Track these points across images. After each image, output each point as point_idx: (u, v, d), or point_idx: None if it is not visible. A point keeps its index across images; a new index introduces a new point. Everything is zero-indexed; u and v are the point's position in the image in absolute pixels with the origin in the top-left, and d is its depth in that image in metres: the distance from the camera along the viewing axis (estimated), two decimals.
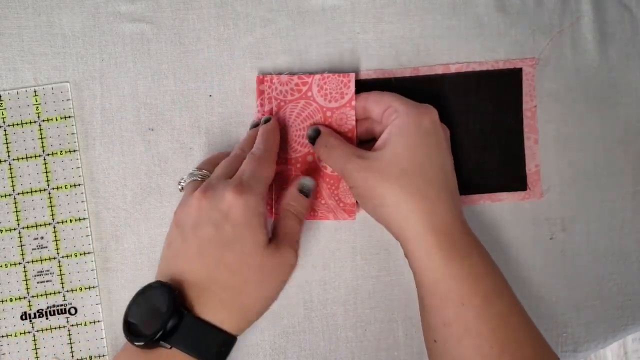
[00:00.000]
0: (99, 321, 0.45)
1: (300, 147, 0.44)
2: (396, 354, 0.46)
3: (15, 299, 0.45)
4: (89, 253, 0.45)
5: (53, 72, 0.45)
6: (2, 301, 0.45)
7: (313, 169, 0.44)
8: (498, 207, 0.46)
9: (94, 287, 0.45)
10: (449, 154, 0.41)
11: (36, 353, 0.44)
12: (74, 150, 0.45)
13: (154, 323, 0.34)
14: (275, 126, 0.42)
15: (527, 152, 0.46)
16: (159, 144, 0.45)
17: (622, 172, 0.47)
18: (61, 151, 0.45)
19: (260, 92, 0.45)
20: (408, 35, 0.45)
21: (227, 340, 0.36)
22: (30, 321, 0.45)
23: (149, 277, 0.40)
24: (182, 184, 0.42)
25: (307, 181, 0.41)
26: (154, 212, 0.45)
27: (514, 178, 0.46)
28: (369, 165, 0.38)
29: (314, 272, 0.46)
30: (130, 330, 0.35)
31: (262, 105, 0.45)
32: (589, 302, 0.47)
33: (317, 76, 0.44)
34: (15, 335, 0.44)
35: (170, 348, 0.34)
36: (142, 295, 0.35)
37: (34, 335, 0.44)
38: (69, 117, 0.45)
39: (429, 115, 0.39)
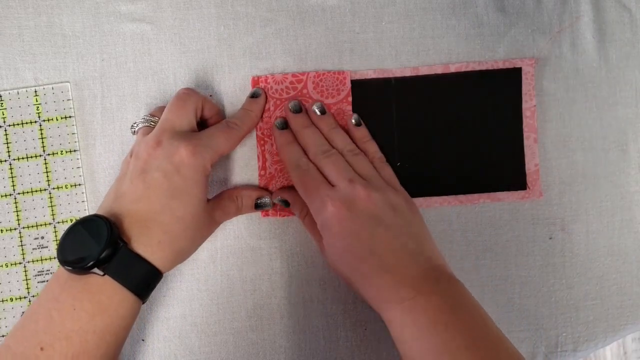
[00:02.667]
0: None
1: None
2: (397, 354, 0.46)
3: (16, 299, 0.45)
4: None
5: (53, 72, 0.45)
6: (3, 301, 0.45)
7: None
8: (498, 207, 0.46)
9: None
10: (376, 236, 0.39)
11: None
12: (75, 150, 0.45)
13: (89, 251, 0.35)
14: (260, 107, 0.44)
15: (526, 151, 0.46)
16: None
17: (622, 171, 0.47)
18: (62, 151, 0.45)
19: None
20: (408, 35, 0.45)
21: (156, 276, 0.38)
22: None
23: None
24: (135, 128, 0.43)
25: (267, 201, 0.44)
26: None
27: (513, 177, 0.46)
28: (322, 249, 0.43)
29: (313, 271, 0.46)
30: (65, 256, 0.36)
31: None
32: (588, 302, 0.47)
33: (312, 73, 0.45)
34: None
35: (104, 275, 0.36)
36: (81, 225, 0.37)
37: None
38: (70, 117, 0.45)
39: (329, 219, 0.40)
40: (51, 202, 0.45)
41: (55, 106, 0.45)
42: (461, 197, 0.46)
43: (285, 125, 0.45)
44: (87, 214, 0.45)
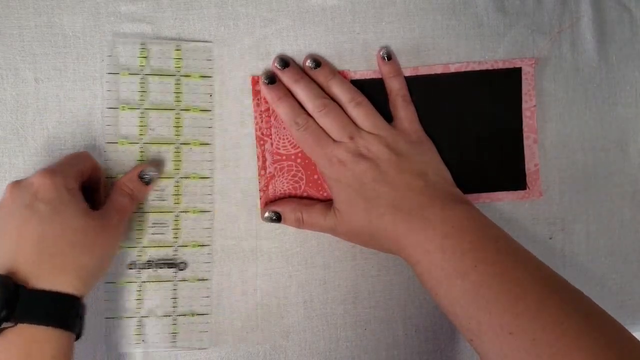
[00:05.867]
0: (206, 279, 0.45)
1: None
2: (396, 353, 0.46)
3: (126, 247, 0.44)
4: (208, 212, 0.45)
5: (53, 72, 0.45)
6: None
7: (312, 163, 0.45)
8: (497, 207, 0.46)
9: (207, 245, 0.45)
10: (379, 181, 0.41)
11: (138, 304, 0.44)
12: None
13: None
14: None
15: (526, 151, 0.46)
16: None
17: (622, 172, 0.47)
18: None
19: (256, 93, 0.45)
20: (408, 35, 0.45)
21: (73, 301, 0.37)
22: (138, 271, 0.44)
23: None
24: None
25: (151, 171, 0.43)
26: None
27: (513, 177, 0.46)
28: (333, 230, 0.43)
29: (314, 272, 0.46)
30: None
31: (258, 105, 0.45)
32: None
33: None
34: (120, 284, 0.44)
35: (15, 325, 0.35)
36: None
37: (139, 286, 0.44)
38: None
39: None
40: None
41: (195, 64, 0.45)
42: None
43: (273, 79, 0.44)
44: None
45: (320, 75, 0.44)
